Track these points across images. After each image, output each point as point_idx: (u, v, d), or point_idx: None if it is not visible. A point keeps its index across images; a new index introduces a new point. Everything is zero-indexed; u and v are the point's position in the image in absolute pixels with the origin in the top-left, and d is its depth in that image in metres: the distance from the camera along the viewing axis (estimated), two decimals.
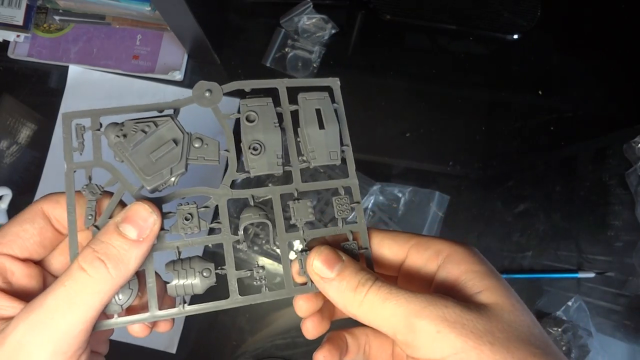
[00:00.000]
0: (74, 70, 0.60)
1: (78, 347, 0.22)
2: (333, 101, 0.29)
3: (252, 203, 0.27)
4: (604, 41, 0.61)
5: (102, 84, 0.60)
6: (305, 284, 0.26)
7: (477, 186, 0.57)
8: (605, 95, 0.60)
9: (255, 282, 0.26)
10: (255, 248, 0.53)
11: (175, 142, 0.26)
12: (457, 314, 0.22)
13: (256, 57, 0.60)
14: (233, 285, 0.26)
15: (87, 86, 0.60)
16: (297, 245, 0.50)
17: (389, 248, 0.28)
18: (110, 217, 0.25)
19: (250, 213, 0.27)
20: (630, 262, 0.54)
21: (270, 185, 0.28)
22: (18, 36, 0.60)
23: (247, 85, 0.28)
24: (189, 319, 0.53)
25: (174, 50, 0.60)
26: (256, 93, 0.28)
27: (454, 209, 0.56)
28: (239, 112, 0.28)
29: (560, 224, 0.56)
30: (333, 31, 0.59)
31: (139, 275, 0.25)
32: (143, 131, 0.26)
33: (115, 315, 0.24)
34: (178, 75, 0.59)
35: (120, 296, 0.24)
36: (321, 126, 0.27)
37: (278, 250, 0.28)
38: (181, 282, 0.25)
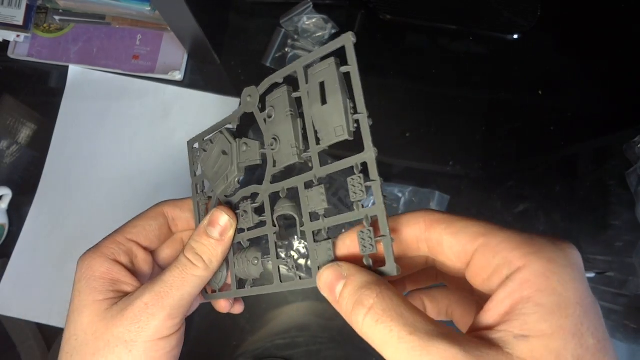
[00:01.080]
0: (74, 70, 0.60)
1: (182, 316, 0.30)
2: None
3: (282, 195, 0.28)
4: (604, 41, 0.61)
5: (102, 84, 0.60)
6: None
7: (477, 186, 0.57)
8: (605, 95, 0.60)
9: (287, 271, 0.29)
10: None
11: (225, 152, 0.31)
12: None
13: (256, 57, 0.60)
14: (276, 272, 0.28)
15: (87, 86, 0.60)
16: (297, 244, 0.50)
17: (450, 248, 0.22)
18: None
19: (281, 205, 0.27)
20: (630, 262, 0.54)
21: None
22: (18, 36, 0.60)
23: (276, 77, 0.27)
24: (189, 319, 0.53)
25: (174, 50, 0.60)
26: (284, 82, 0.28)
27: (454, 209, 0.56)
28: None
29: (560, 224, 0.56)
30: (333, 31, 0.59)
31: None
32: (204, 150, 0.32)
33: (217, 290, 0.32)
34: (178, 75, 0.59)
35: (217, 276, 0.32)
36: (324, 101, 0.24)
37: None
38: (240, 267, 0.30)
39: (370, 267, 0.23)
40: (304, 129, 0.26)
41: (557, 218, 0.56)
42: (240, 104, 0.29)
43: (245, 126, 0.31)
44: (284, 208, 0.27)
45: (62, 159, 0.58)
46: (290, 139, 0.26)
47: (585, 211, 0.57)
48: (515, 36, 0.60)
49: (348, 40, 0.23)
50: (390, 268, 0.22)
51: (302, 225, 0.26)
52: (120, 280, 0.30)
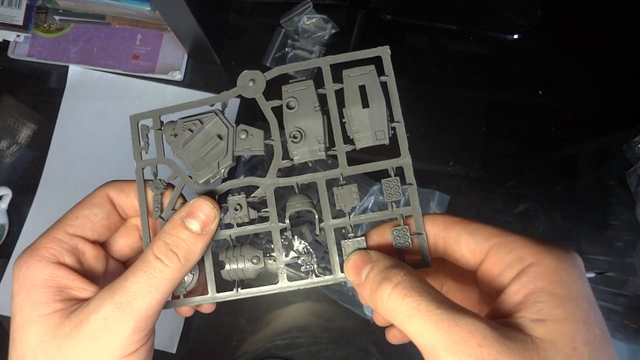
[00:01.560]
0: (74, 70, 0.60)
1: (151, 326, 0.25)
2: (382, 74, 0.26)
3: (297, 191, 0.27)
4: (604, 41, 0.61)
5: (102, 84, 0.60)
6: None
7: (477, 186, 0.57)
8: (605, 95, 0.60)
9: (302, 268, 0.27)
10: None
11: (220, 137, 0.27)
12: (493, 357, 0.18)
13: (256, 57, 0.60)
14: (282, 271, 0.27)
15: (87, 86, 0.60)
16: (297, 244, 0.49)
17: (466, 246, 0.24)
18: (174, 209, 0.27)
19: (295, 201, 0.27)
20: (630, 262, 0.54)
21: (319, 170, 0.27)
22: (18, 36, 0.60)
23: (290, 68, 0.27)
24: (189, 319, 0.53)
25: (174, 50, 0.60)
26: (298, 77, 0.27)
27: (454, 209, 0.56)
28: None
29: (560, 224, 0.56)
30: (333, 31, 0.59)
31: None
32: (190, 130, 0.27)
33: (182, 296, 0.28)
34: (178, 75, 0.59)
35: (185, 279, 0.27)
36: (365, 104, 0.25)
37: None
38: (233, 267, 0.27)
39: (403, 260, 0.25)
40: (329, 126, 0.26)
41: (557, 218, 0.56)
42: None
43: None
44: (304, 204, 0.26)
45: (62, 159, 0.58)
46: (318, 134, 0.26)
47: (585, 211, 0.57)
48: (515, 36, 0.60)
49: (385, 52, 0.26)
50: (426, 261, 0.25)
51: (321, 222, 0.26)
52: (68, 286, 0.25)
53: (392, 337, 0.27)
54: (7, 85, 0.61)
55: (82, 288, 0.25)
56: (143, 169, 0.28)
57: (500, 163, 0.58)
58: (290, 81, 0.27)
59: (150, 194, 0.28)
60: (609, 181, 0.57)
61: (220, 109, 0.28)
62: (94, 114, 0.59)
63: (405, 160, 0.26)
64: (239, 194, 0.27)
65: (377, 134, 0.25)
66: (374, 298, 0.22)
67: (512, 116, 0.59)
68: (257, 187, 0.27)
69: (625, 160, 0.57)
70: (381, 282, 0.22)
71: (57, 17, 0.61)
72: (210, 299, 0.27)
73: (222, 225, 0.27)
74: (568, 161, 0.58)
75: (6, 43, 0.61)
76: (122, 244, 0.30)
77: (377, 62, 0.26)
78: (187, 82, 0.60)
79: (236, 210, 0.27)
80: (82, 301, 0.25)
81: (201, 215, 0.26)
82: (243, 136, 0.27)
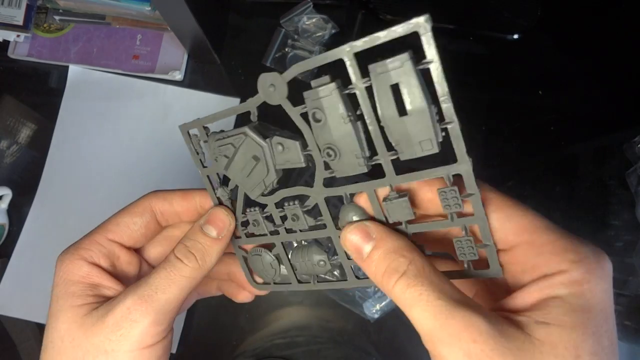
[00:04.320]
0: (74, 70, 0.60)
1: (169, 322, 0.27)
2: (421, 60, 0.20)
3: (345, 201, 0.26)
4: (604, 41, 0.61)
5: (102, 84, 0.60)
6: None
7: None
8: (605, 95, 0.60)
9: (360, 272, 0.27)
10: None
11: (256, 158, 0.26)
12: (486, 353, 0.19)
13: (256, 57, 0.60)
14: (348, 270, 0.27)
15: (87, 86, 0.60)
16: None
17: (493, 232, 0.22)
18: (243, 213, 0.29)
19: (351, 212, 0.25)
20: (630, 262, 0.54)
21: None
22: (18, 36, 0.60)
23: (308, 65, 0.22)
24: (189, 319, 0.53)
25: (174, 50, 0.60)
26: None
27: None
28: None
29: (560, 224, 0.56)
30: (333, 31, 0.59)
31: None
32: (226, 156, 0.28)
33: (272, 283, 0.31)
34: (178, 75, 0.59)
35: (274, 270, 0.30)
36: (402, 111, 0.20)
37: None
38: (304, 268, 0.29)
39: (470, 271, 0.24)
40: (366, 131, 0.22)
41: (557, 218, 0.56)
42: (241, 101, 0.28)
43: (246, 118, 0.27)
44: (358, 214, 0.25)
45: (62, 159, 0.58)
46: (354, 149, 0.22)
47: (585, 211, 0.57)
48: (515, 36, 0.60)
49: (424, 27, 0.19)
50: (496, 271, 0.23)
51: None
52: (101, 284, 0.28)
53: None
54: (7, 85, 0.61)
55: (112, 287, 0.28)
56: (208, 176, 0.29)
57: (500, 163, 0.58)
58: (312, 83, 0.22)
59: (202, 201, 0.31)
60: (609, 181, 0.57)
61: (253, 122, 0.26)
62: (94, 114, 0.59)
63: (462, 166, 0.21)
64: (293, 202, 0.27)
65: (423, 144, 0.21)
66: (378, 280, 0.23)
67: (512, 116, 0.59)
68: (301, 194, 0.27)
69: (625, 160, 0.57)
70: (386, 271, 0.22)
71: (57, 17, 0.61)
72: (293, 287, 0.30)
73: (285, 229, 0.28)
74: (568, 161, 0.58)
75: (6, 43, 0.61)
76: (158, 251, 0.33)
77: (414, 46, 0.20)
78: (187, 82, 0.60)
79: (293, 220, 0.27)
80: (110, 299, 0.27)
81: (218, 222, 0.29)
82: (279, 149, 0.25)
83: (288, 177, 0.29)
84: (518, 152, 0.58)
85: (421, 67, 0.20)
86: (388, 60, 0.20)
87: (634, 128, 0.56)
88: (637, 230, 0.55)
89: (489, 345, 0.19)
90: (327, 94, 0.22)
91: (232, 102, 0.58)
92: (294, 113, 0.23)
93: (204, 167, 0.29)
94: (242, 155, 0.27)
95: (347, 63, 0.21)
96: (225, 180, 0.29)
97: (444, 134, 0.21)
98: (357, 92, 0.21)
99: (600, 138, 0.59)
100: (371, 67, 0.21)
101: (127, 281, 0.29)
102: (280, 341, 0.53)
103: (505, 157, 0.58)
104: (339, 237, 0.26)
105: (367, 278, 0.25)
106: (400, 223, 0.24)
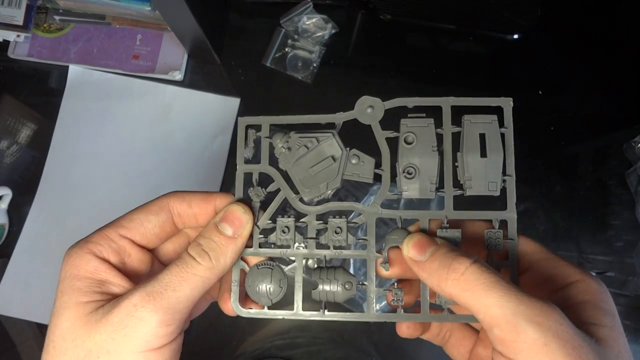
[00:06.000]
0: (74, 70, 0.60)
1: (179, 323, 0.25)
2: (502, 125, 0.27)
3: (399, 225, 0.27)
4: (604, 41, 0.61)
5: (102, 84, 0.60)
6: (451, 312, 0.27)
7: None
8: (605, 95, 0.60)
9: (392, 302, 0.27)
10: None
11: (334, 158, 0.27)
12: (571, 335, 0.20)
13: (256, 57, 0.60)
14: (371, 300, 0.27)
15: (87, 86, 0.60)
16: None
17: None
18: (270, 220, 0.28)
19: (397, 235, 0.26)
20: (630, 262, 0.54)
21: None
22: (18, 36, 0.60)
23: (410, 102, 0.27)
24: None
25: (174, 50, 0.60)
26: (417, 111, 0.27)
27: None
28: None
29: (560, 224, 0.56)
30: (333, 31, 0.59)
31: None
32: (306, 146, 0.27)
33: (266, 308, 0.28)
34: (178, 75, 0.59)
35: (272, 290, 0.27)
36: (483, 154, 0.26)
37: None
38: (325, 289, 0.27)
39: None
40: (441, 167, 0.27)
41: (557, 218, 0.56)
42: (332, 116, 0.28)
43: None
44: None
45: (62, 159, 0.58)
46: (431, 174, 0.26)
47: (585, 211, 0.57)
48: (515, 36, 0.60)
49: (508, 103, 0.27)
50: None
51: None
52: (109, 281, 0.26)
53: (405, 330, 0.28)
54: (7, 85, 0.61)
55: (120, 285, 0.26)
56: (244, 173, 0.29)
57: None
58: (409, 115, 0.27)
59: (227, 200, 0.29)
60: (609, 181, 0.57)
61: (336, 130, 0.28)
62: (94, 114, 0.59)
63: (510, 214, 0.26)
64: (340, 216, 0.27)
65: (490, 184, 0.26)
66: (443, 272, 0.23)
67: (513, 116, 0.59)
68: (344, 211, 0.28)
69: (625, 160, 0.57)
70: (457, 257, 0.23)
71: (57, 17, 0.61)
72: (295, 315, 0.28)
73: (318, 245, 0.28)
74: (568, 161, 0.58)
75: (6, 43, 0.61)
76: (170, 251, 0.31)
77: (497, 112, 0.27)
78: (187, 82, 0.60)
79: (336, 233, 0.27)
80: (118, 296, 0.25)
81: (234, 220, 0.27)
82: (354, 161, 0.27)
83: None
84: (518, 152, 0.58)
85: (501, 131, 0.26)
86: (482, 116, 0.26)
87: (634, 128, 0.56)
88: (637, 230, 0.55)
89: (573, 330, 0.21)
90: (424, 124, 0.27)
91: (232, 102, 0.58)
92: (380, 135, 0.27)
93: (246, 163, 0.29)
94: (316, 153, 0.27)
95: (444, 110, 0.27)
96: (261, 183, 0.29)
97: (503, 184, 0.26)
98: (444, 134, 0.27)
99: (600, 138, 0.59)
100: (467, 116, 0.26)
101: (138, 280, 0.27)
102: (280, 342, 0.53)
103: None
104: (376, 261, 0.27)
105: (386, 313, 0.26)
106: None
